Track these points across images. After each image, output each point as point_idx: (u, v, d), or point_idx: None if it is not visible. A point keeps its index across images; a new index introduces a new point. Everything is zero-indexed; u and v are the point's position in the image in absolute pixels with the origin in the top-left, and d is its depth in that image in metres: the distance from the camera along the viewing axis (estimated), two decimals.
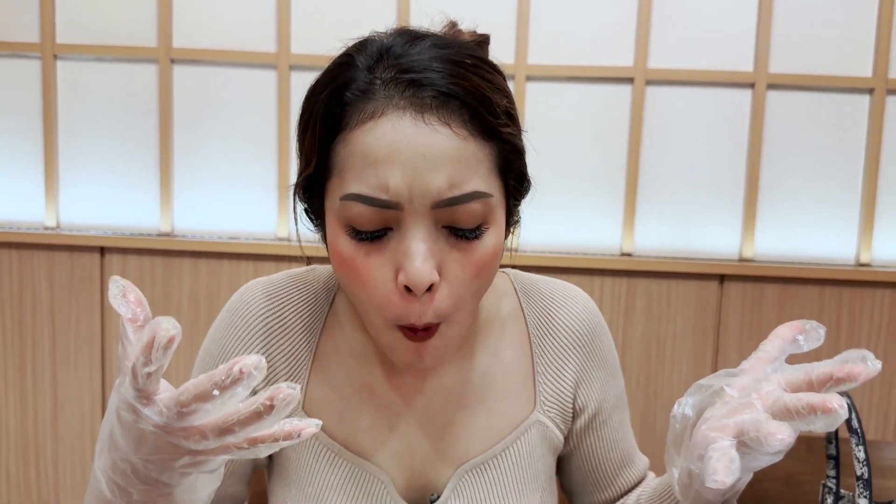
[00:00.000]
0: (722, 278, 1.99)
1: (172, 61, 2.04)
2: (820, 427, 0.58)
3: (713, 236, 2.02)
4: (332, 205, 0.71)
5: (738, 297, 1.99)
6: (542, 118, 1.99)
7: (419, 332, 0.70)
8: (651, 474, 0.93)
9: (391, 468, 0.81)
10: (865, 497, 1.23)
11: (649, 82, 1.99)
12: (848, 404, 1.28)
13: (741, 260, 2.02)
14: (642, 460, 0.93)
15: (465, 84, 0.68)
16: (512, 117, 0.73)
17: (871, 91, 1.97)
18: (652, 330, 2.00)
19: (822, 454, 1.46)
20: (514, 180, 0.75)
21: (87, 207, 2.09)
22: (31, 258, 2.07)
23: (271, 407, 0.51)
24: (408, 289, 0.68)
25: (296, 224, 0.79)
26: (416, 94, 0.67)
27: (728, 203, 2.02)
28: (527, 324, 0.86)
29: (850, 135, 1.99)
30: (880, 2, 1.95)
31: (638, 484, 0.91)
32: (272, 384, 0.82)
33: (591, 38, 2.00)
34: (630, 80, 1.99)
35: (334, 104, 0.69)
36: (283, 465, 0.83)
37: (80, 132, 2.08)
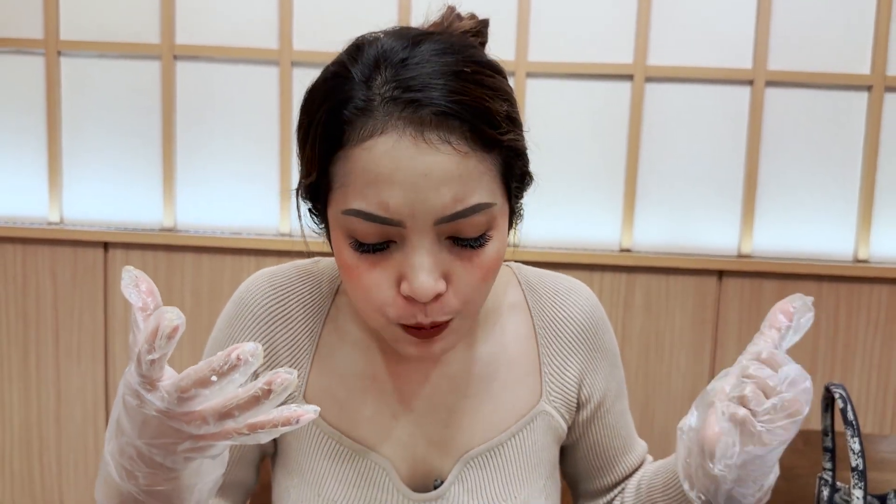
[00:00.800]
0: (720, 274, 2.01)
1: (175, 58, 2.05)
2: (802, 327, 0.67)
3: (712, 232, 2.04)
4: (335, 215, 0.71)
5: (737, 292, 2.00)
6: (542, 115, 2.00)
7: (426, 330, 0.71)
8: (649, 457, 0.95)
9: (394, 456, 0.82)
10: (860, 488, 1.24)
11: (649, 79, 2.00)
12: (843, 396, 1.30)
13: (740, 256, 2.03)
14: (641, 445, 0.95)
15: (466, 99, 0.67)
16: (514, 121, 0.72)
17: (869, 88, 1.98)
18: (651, 325, 2.02)
19: (819, 447, 1.47)
20: (517, 181, 0.76)
21: (91, 203, 2.10)
22: (34, 253, 2.08)
23: (269, 392, 0.53)
24: (411, 297, 0.69)
25: (299, 219, 0.80)
26: (415, 111, 0.66)
27: (727, 199, 2.03)
28: (531, 316, 0.88)
29: (848, 132, 2.01)
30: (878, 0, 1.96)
31: (637, 468, 0.93)
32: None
33: (590, 36, 2.01)
34: (630, 77, 2.00)
35: (333, 121, 0.68)
36: (285, 453, 0.84)
37: (84, 128, 2.09)
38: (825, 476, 1.37)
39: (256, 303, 0.85)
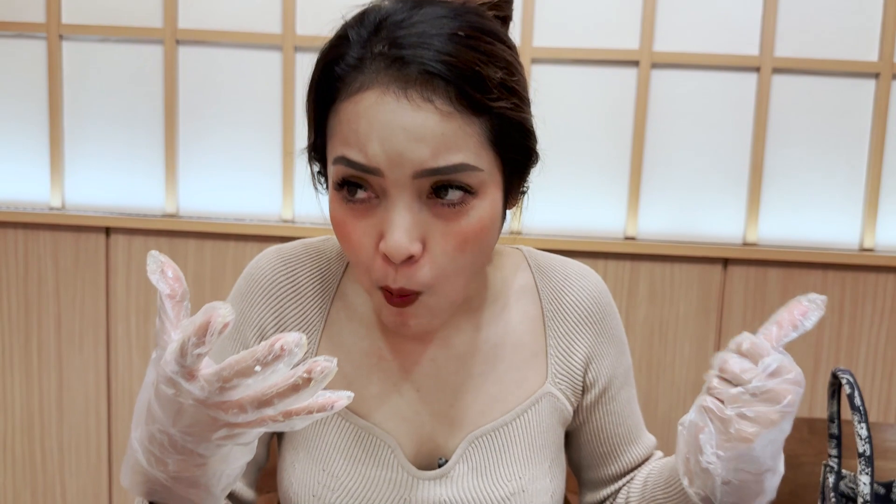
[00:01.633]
0: (726, 262, 2.00)
1: (178, 42, 2.04)
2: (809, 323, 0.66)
3: (717, 220, 2.03)
4: (329, 170, 0.73)
5: (742, 280, 2.00)
6: (547, 101, 1.99)
7: (396, 298, 0.72)
8: (658, 453, 0.95)
9: (399, 433, 0.83)
10: (867, 474, 1.24)
11: (655, 66, 1.99)
12: (850, 382, 1.29)
13: (745, 244, 2.02)
14: (649, 438, 0.94)
15: (453, 60, 0.67)
16: (511, 90, 0.72)
17: (876, 76, 1.97)
18: (655, 313, 2.01)
19: (825, 435, 1.47)
20: (515, 153, 0.75)
21: (93, 188, 2.10)
22: (36, 238, 2.07)
23: (309, 380, 0.52)
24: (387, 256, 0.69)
25: (313, 183, 0.82)
26: (401, 70, 0.67)
27: (732, 187, 2.02)
28: (540, 298, 0.88)
29: (854, 119, 1.99)
30: None
31: (644, 461, 0.92)
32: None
33: (596, 22, 1.99)
34: (636, 64, 1.99)
35: (327, 78, 0.72)
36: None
37: (86, 112, 2.08)
38: (831, 463, 1.37)
39: (266, 277, 0.85)
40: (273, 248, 0.88)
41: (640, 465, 0.92)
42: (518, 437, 0.84)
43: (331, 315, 0.85)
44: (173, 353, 0.53)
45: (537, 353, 0.86)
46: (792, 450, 1.65)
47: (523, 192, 0.83)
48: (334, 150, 0.71)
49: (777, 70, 1.98)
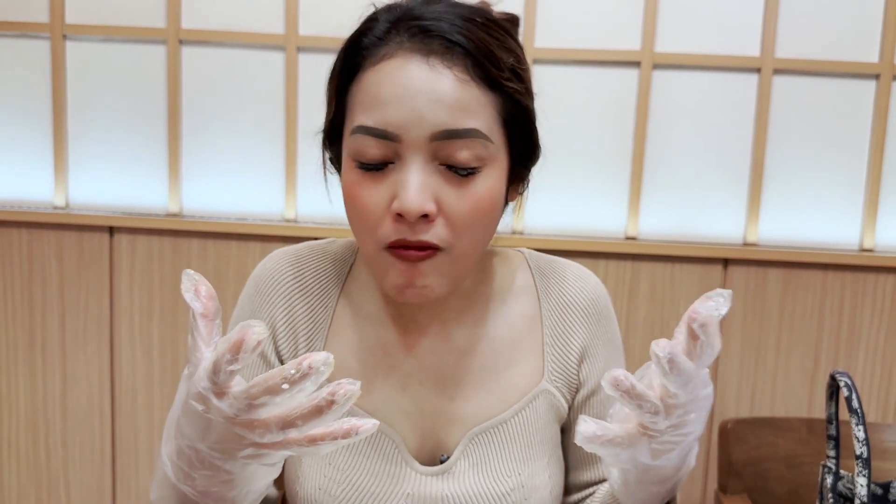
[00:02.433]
0: (726, 262, 2.01)
1: (181, 42, 2.05)
2: (711, 340, 0.58)
3: (717, 220, 2.03)
4: (346, 143, 0.76)
5: (742, 280, 2.00)
6: (549, 102, 1.99)
7: (411, 252, 0.73)
8: None
9: (403, 429, 0.85)
10: (864, 476, 1.25)
11: (656, 66, 1.99)
12: (848, 384, 1.30)
13: (745, 244, 2.03)
14: None
15: (471, 36, 0.73)
16: (519, 77, 0.77)
17: (876, 77, 1.97)
18: (656, 313, 2.02)
19: (823, 436, 1.48)
20: (522, 141, 0.80)
21: (96, 187, 2.11)
22: (40, 237, 2.08)
23: (332, 402, 0.53)
24: (400, 216, 0.72)
25: (324, 172, 0.85)
26: (423, 40, 0.73)
27: (733, 187, 2.02)
28: (539, 298, 0.90)
29: (855, 120, 2.00)
30: None
31: None
32: (294, 347, 0.86)
33: (598, 23, 2.00)
34: (637, 65, 2.00)
35: (353, 50, 0.76)
36: None
37: (89, 112, 2.09)
38: (829, 464, 1.38)
39: (275, 279, 0.88)
40: (280, 251, 0.91)
41: None
42: (516, 434, 0.85)
43: (336, 313, 0.88)
44: (206, 370, 0.54)
45: (534, 350, 0.88)
46: (791, 450, 1.66)
47: (522, 191, 0.87)
48: (354, 120, 0.74)
49: (778, 71, 1.98)
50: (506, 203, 0.84)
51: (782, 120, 2.00)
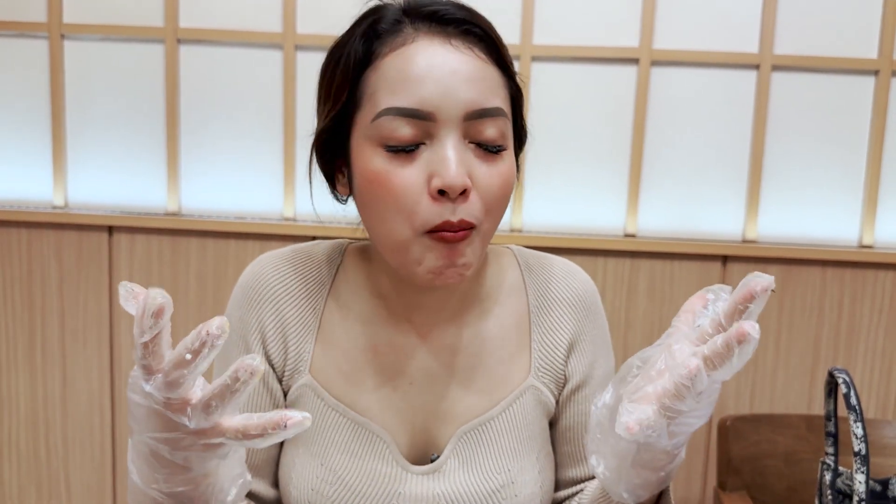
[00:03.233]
0: (725, 259, 2.01)
1: (179, 41, 2.05)
2: (741, 359, 0.58)
3: (716, 217, 2.03)
4: (364, 133, 0.76)
5: (741, 277, 1.98)
6: (547, 99, 2.00)
7: (455, 233, 0.73)
8: None
9: (394, 428, 0.85)
10: (863, 472, 1.25)
11: (654, 63, 1.99)
12: (847, 381, 1.30)
13: (744, 241, 2.03)
14: None
15: (481, 22, 0.77)
16: (515, 73, 0.82)
17: (875, 73, 1.97)
18: (655, 310, 2.02)
19: (822, 432, 1.48)
20: (518, 130, 0.83)
21: (95, 187, 2.11)
22: (39, 237, 2.09)
23: (236, 379, 0.55)
24: (441, 192, 0.72)
25: (309, 174, 0.85)
26: (440, 25, 0.75)
27: (732, 184, 2.02)
28: (527, 295, 0.90)
29: (854, 116, 2.00)
30: None
31: None
32: (284, 350, 0.86)
33: (596, 20, 2.00)
34: (635, 62, 1.99)
35: (369, 36, 0.77)
36: None
37: (88, 112, 2.09)
38: (828, 461, 1.38)
39: (261, 283, 0.88)
40: (265, 255, 0.91)
41: None
42: (505, 431, 0.86)
43: (325, 315, 0.87)
44: (135, 357, 0.56)
45: (522, 347, 0.89)
46: (790, 447, 1.67)
47: (518, 178, 0.88)
48: (378, 104, 0.74)
49: (776, 67, 1.98)
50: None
51: (781, 116, 2.00)
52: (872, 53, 1.97)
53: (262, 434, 0.56)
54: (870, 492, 1.31)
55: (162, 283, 2.07)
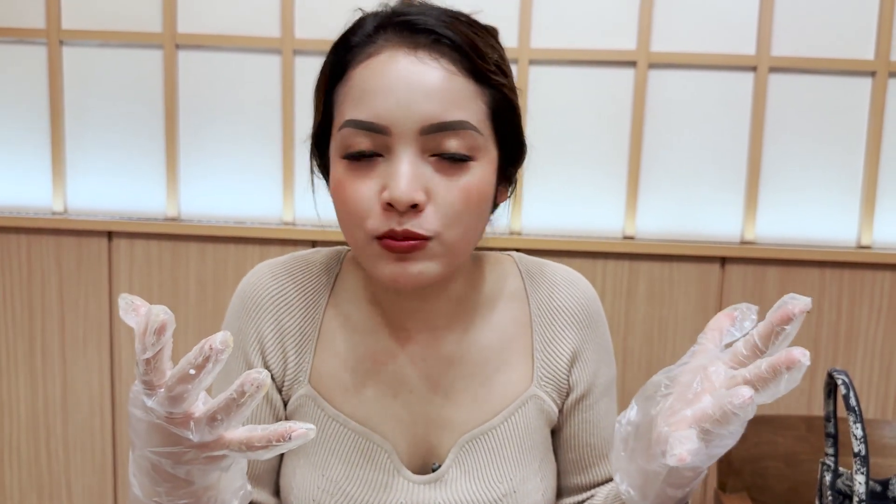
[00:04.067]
0: (724, 261, 2.01)
1: (177, 46, 2.05)
2: (788, 385, 0.57)
3: (715, 219, 2.04)
4: (333, 143, 0.77)
5: (740, 279, 2.01)
6: (545, 102, 2.00)
7: (399, 243, 0.73)
8: None
9: (394, 437, 0.85)
10: (863, 473, 1.25)
11: (652, 66, 2.00)
12: (846, 382, 1.30)
13: (743, 242, 2.03)
14: None
15: (457, 30, 0.75)
16: (504, 73, 0.78)
17: (872, 74, 1.98)
18: (654, 312, 2.02)
19: (822, 433, 1.48)
20: (510, 137, 0.80)
21: (95, 192, 2.11)
22: (39, 243, 2.09)
23: (242, 393, 0.54)
24: (390, 205, 0.72)
25: (311, 178, 0.86)
26: (410, 35, 0.74)
27: (730, 186, 2.03)
28: (529, 303, 0.90)
29: (851, 117, 2.00)
30: None
31: (612, 478, 0.92)
32: (283, 361, 0.86)
33: (594, 22, 2.00)
34: (633, 64, 2.00)
35: (341, 51, 0.78)
36: None
37: (87, 117, 2.10)
38: (827, 461, 1.38)
39: (259, 293, 0.87)
40: (263, 264, 0.90)
41: (607, 480, 0.92)
42: (507, 440, 0.85)
43: (324, 324, 0.87)
44: (137, 373, 0.56)
45: (524, 356, 0.88)
46: (790, 447, 1.67)
47: (513, 186, 0.86)
48: (342, 116, 0.75)
49: (774, 69, 1.99)
50: (495, 205, 0.84)
51: (779, 118, 2.00)
52: (869, 55, 1.98)
53: (266, 446, 0.56)
54: (870, 492, 1.31)
55: (161, 288, 2.07)
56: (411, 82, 0.72)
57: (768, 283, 2.01)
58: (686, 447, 0.58)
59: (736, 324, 0.65)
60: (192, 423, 0.56)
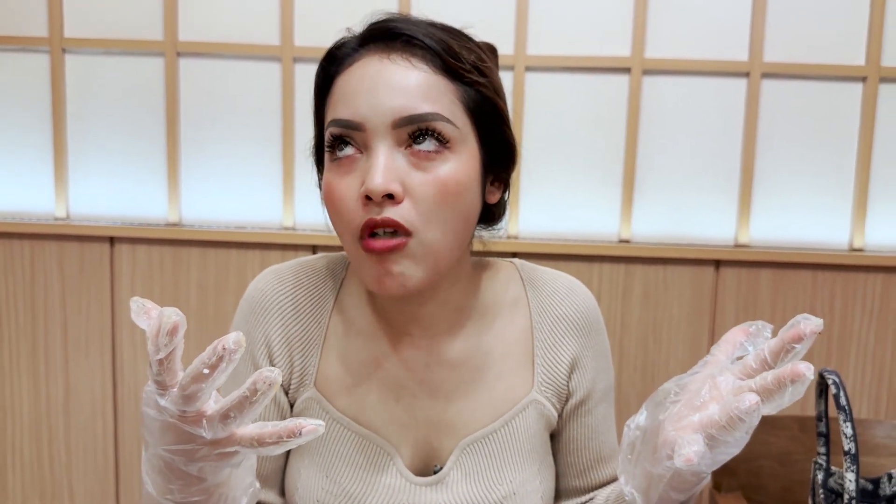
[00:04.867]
0: (718, 264, 2.04)
1: (179, 54, 2.08)
2: (792, 398, 0.59)
3: (709, 223, 2.06)
4: (325, 140, 0.81)
5: (734, 281, 2.03)
6: (541, 108, 2.03)
7: (379, 242, 0.75)
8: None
9: (397, 440, 0.87)
10: (853, 471, 1.28)
11: (646, 72, 2.02)
12: (836, 382, 1.33)
13: (736, 245, 2.06)
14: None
15: (433, 35, 0.79)
16: (482, 73, 0.81)
17: (863, 79, 2.01)
18: (649, 315, 2.05)
19: (814, 433, 1.50)
20: (494, 136, 0.81)
21: (97, 198, 2.13)
22: (42, 248, 2.11)
23: (255, 391, 0.56)
24: (369, 198, 0.75)
25: (319, 187, 0.86)
26: (387, 42, 0.79)
27: (724, 190, 2.05)
28: (530, 310, 0.91)
29: (843, 122, 2.03)
30: None
31: (611, 481, 0.95)
32: (290, 364, 0.88)
33: (589, 30, 2.03)
34: (627, 70, 2.03)
35: (328, 63, 0.82)
36: None
37: (89, 124, 2.12)
38: (819, 461, 1.41)
39: (266, 297, 0.89)
40: (270, 269, 0.92)
41: (605, 484, 0.94)
42: (508, 443, 0.87)
43: (329, 329, 0.89)
44: (149, 373, 0.58)
45: (525, 361, 0.90)
46: (783, 447, 1.69)
47: (506, 196, 0.88)
48: (327, 121, 0.80)
49: (766, 75, 2.01)
50: (487, 206, 0.85)
51: (771, 123, 2.03)
52: (860, 60, 2.01)
53: (276, 441, 0.57)
54: (861, 490, 1.33)
55: (163, 292, 2.09)
56: (380, 81, 0.76)
57: (762, 286, 2.03)
58: (693, 448, 0.60)
59: (750, 338, 0.67)
60: (204, 421, 0.57)
